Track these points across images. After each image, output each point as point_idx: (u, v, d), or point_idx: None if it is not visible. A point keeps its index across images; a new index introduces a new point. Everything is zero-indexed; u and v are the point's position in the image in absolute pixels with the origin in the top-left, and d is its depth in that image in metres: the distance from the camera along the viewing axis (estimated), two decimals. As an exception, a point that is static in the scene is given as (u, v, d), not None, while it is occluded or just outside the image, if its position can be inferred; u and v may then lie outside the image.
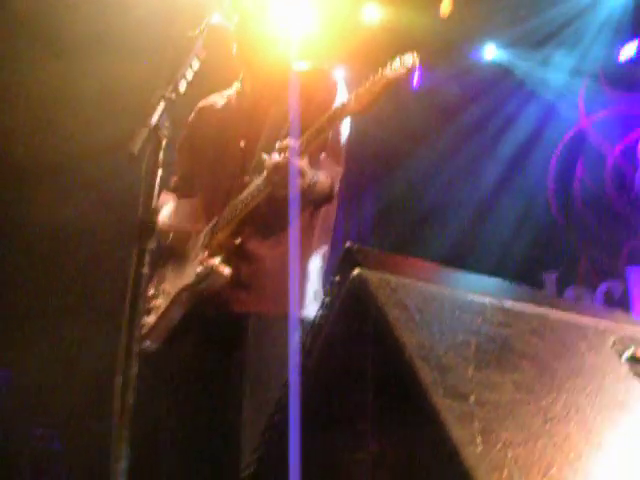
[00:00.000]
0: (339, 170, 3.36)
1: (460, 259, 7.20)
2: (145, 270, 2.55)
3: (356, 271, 1.71)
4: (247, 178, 3.25)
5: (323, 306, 1.84)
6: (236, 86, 3.69)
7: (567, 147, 8.17)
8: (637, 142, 7.78)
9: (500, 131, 8.05)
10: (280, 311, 3.18)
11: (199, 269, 3.17)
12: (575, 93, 8.07)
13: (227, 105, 3.66)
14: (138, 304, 2.53)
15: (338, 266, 1.79)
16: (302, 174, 3.03)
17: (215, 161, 3.48)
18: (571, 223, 8.04)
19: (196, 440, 3.27)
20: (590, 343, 1.90)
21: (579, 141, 8.13)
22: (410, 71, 2.92)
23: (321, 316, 1.82)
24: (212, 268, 3.14)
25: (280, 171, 3.01)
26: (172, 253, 3.41)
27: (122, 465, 2.35)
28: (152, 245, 2.59)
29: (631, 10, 7.46)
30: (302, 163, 3.03)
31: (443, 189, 8.00)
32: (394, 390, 1.53)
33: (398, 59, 2.94)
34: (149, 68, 5.67)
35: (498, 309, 1.81)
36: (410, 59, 2.93)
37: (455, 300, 1.77)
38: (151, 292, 3.38)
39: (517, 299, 1.91)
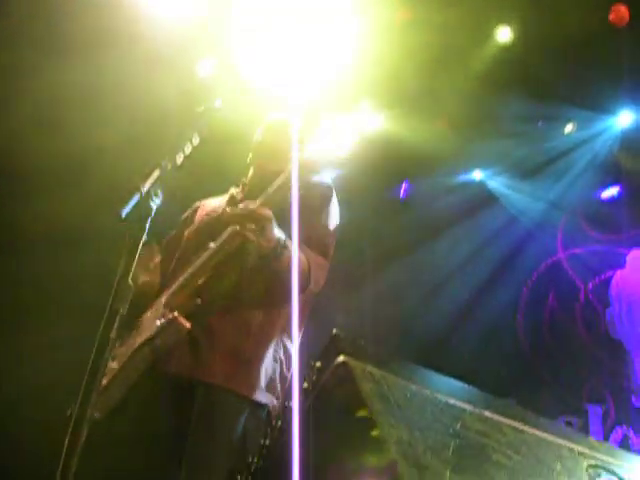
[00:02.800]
0: (323, 262, 3.34)
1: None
2: (113, 334, 2.52)
3: (341, 358, 1.69)
4: (212, 244, 3.25)
5: (301, 390, 1.80)
6: (232, 190, 3.71)
7: (541, 276, 8.26)
8: (610, 280, 7.88)
9: (477, 252, 8.13)
10: (230, 386, 3.13)
11: (160, 322, 3.14)
12: (555, 225, 8.21)
13: (219, 209, 3.66)
14: (99, 370, 2.49)
15: (322, 352, 1.76)
16: (268, 219, 3.06)
17: (194, 245, 3.47)
18: (536, 353, 8.05)
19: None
20: (565, 464, 1.87)
21: (554, 272, 8.22)
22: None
23: (299, 400, 1.78)
24: (171, 320, 3.10)
25: (249, 217, 3.05)
26: (127, 321, 3.36)
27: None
28: (124, 310, 2.56)
29: (613, 157, 7.68)
30: (267, 211, 3.07)
31: (413, 303, 8.01)
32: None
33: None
34: (150, 69, 5.73)
35: (477, 418, 1.78)
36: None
37: (436, 402, 1.74)
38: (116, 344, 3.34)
39: (495, 410, 1.88)
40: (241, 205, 3.10)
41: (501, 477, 1.63)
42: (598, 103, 7.41)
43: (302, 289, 3.26)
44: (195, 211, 3.77)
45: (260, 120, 3.73)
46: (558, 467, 1.83)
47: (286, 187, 3.13)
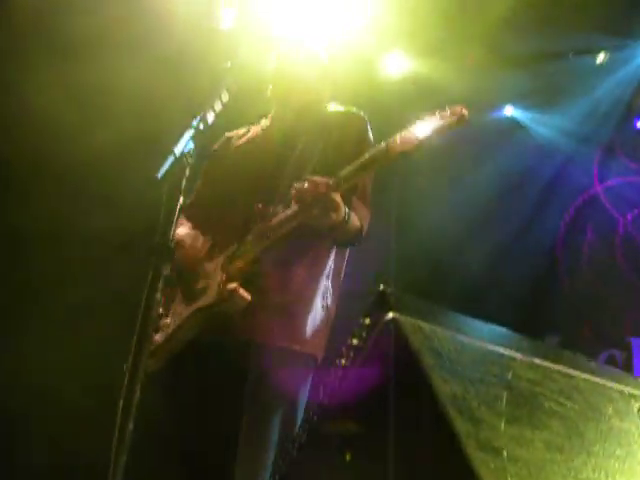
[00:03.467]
0: (367, 214, 3.34)
1: (465, 312, 7.17)
2: (158, 296, 2.55)
3: (390, 315, 1.69)
4: (272, 209, 3.22)
5: (350, 348, 1.81)
6: (264, 122, 3.70)
7: (578, 211, 8.19)
8: (649, 211, 7.82)
9: (512, 189, 8.07)
10: (282, 344, 3.17)
11: (219, 292, 3.14)
12: (590, 158, 8.11)
13: (254, 139, 3.65)
14: (148, 330, 2.53)
15: (370, 308, 1.77)
16: (337, 208, 3.01)
17: (236, 191, 3.44)
18: (577, 288, 8.02)
19: (191, 466, 3.23)
20: (616, 407, 1.88)
21: (591, 206, 8.14)
22: (460, 121, 2.89)
23: (348, 357, 1.80)
24: (233, 291, 3.11)
25: (314, 202, 2.99)
26: (182, 273, 3.37)
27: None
28: (167, 271, 2.59)
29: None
30: (337, 198, 3.01)
31: (452, 243, 7.98)
32: (427, 438, 1.51)
33: (448, 108, 2.91)
34: (151, 69, 5.71)
35: (528, 366, 1.79)
36: (461, 110, 2.90)
37: (486, 352, 1.76)
38: (160, 311, 3.35)
39: (545, 357, 1.89)
40: (313, 180, 3.01)
41: (554, 424, 1.65)
42: (630, 30, 7.27)
43: (354, 245, 3.33)
44: (226, 143, 3.73)
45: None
46: (610, 410, 1.84)
47: (361, 172, 3.05)
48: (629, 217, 7.88)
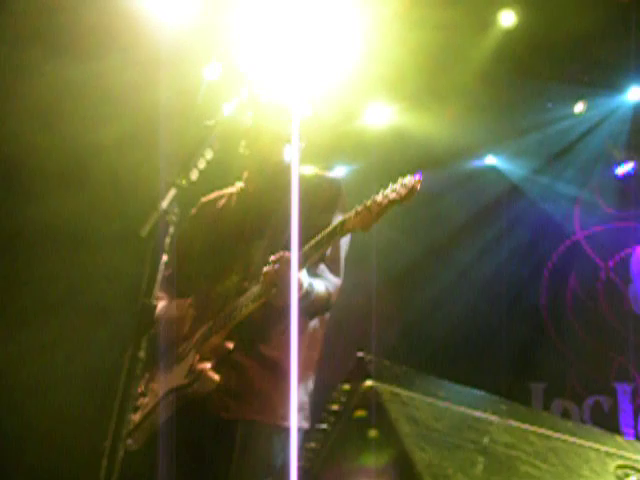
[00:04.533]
0: (337, 282, 3.33)
1: (450, 361, 7.20)
2: (142, 354, 2.56)
3: (368, 382, 1.73)
4: (246, 284, 3.25)
5: (330, 413, 1.85)
6: (238, 185, 3.70)
7: (561, 258, 8.26)
8: (630, 257, 7.89)
9: (495, 238, 8.13)
10: (267, 420, 3.17)
11: (189, 373, 3.16)
12: (571, 206, 8.20)
13: (228, 204, 3.65)
14: (131, 388, 2.54)
15: (349, 375, 1.81)
16: (299, 286, 3.03)
17: (212, 259, 3.45)
18: (562, 334, 8.06)
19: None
20: (592, 467, 1.91)
21: (573, 253, 8.22)
22: (411, 193, 2.93)
23: (329, 422, 1.84)
24: (202, 373, 3.13)
25: (277, 282, 3.01)
26: (163, 353, 3.37)
27: None
28: (150, 328, 2.61)
29: (627, 133, 7.66)
30: (299, 275, 3.04)
31: (436, 291, 8.03)
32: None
33: (400, 180, 2.96)
34: (151, 69, 5.76)
35: (505, 429, 1.83)
36: (411, 180, 2.95)
37: (463, 417, 1.79)
38: (140, 389, 3.36)
39: (522, 420, 1.93)
40: (276, 257, 3.06)
41: (531, 489, 1.68)
42: (607, 81, 7.40)
43: (322, 314, 3.32)
44: (202, 209, 3.72)
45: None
46: (586, 471, 1.87)
47: (319, 248, 3.09)
48: (611, 263, 7.96)
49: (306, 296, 3.10)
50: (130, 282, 2.53)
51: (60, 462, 5.48)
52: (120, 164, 5.78)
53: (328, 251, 3.23)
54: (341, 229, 3.02)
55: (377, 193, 2.98)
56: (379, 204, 2.93)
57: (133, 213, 5.26)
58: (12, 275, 5.98)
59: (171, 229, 2.72)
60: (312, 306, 3.21)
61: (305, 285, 3.08)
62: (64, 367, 5.59)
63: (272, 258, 3.04)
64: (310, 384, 3.35)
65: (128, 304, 2.51)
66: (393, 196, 2.93)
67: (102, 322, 5.64)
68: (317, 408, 3.12)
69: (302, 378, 3.29)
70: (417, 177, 2.96)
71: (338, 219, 3.27)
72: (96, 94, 5.87)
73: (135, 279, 2.64)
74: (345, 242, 3.41)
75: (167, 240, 2.70)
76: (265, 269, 3.05)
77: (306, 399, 3.30)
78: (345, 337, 5.52)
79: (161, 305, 3.39)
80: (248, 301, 3.14)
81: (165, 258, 2.68)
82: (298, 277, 3.03)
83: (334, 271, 3.33)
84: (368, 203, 2.96)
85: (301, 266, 3.05)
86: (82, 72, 5.75)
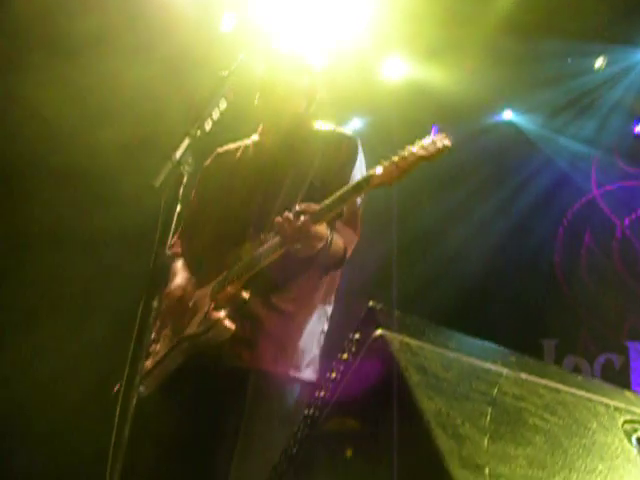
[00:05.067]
0: (354, 238, 3.35)
1: (463, 316, 7.21)
2: (155, 303, 2.57)
3: (378, 332, 1.73)
4: (263, 236, 3.24)
5: (340, 362, 1.85)
6: (254, 138, 3.69)
7: (576, 215, 8.22)
8: (646, 216, 7.85)
9: (512, 194, 8.10)
10: (280, 371, 3.19)
11: (204, 321, 3.17)
12: (588, 163, 8.14)
13: (244, 156, 3.64)
14: (145, 337, 2.55)
15: (359, 325, 1.81)
16: (321, 238, 3.05)
17: (229, 213, 3.46)
18: (575, 291, 8.04)
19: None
20: (601, 422, 1.91)
21: (589, 210, 8.17)
22: (441, 152, 2.91)
23: (338, 371, 1.84)
24: (217, 321, 3.13)
25: (299, 235, 3.01)
26: (176, 300, 3.38)
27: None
28: (164, 278, 2.62)
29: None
30: (321, 228, 3.04)
31: (452, 246, 8.02)
32: (410, 455, 1.54)
33: (430, 138, 2.93)
34: (151, 68, 5.74)
35: (514, 381, 1.83)
36: (444, 140, 2.92)
37: (473, 368, 1.79)
38: (152, 336, 3.37)
39: (531, 372, 1.92)
40: (300, 208, 3.03)
41: (537, 440, 1.68)
42: (628, 36, 7.29)
43: (336, 268, 3.34)
44: (217, 160, 3.74)
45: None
46: (594, 425, 1.87)
47: (341, 202, 3.07)
48: (627, 222, 7.91)
49: (327, 249, 3.11)
50: (133, 281, 2.53)
51: (65, 461, 5.54)
52: (121, 165, 5.77)
53: (346, 209, 3.23)
54: (367, 184, 2.98)
55: (403, 149, 2.96)
56: (406, 160, 2.90)
57: (134, 212, 5.30)
58: (13, 275, 6.00)
59: (185, 179, 2.72)
60: (329, 260, 3.22)
61: (327, 238, 3.08)
62: (69, 366, 5.62)
63: (297, 208, 3.03)
64: (322, 338, 3.38)
65: (131, 302, 2.51)
66: (422, 153, 2.89)
67: (104, 321, 5.66)
68: (329, 359, 3.15)
69: (315, 331, 3.32)
70: (447, 137, 2.93)
71: (357, 175, 3.27)
72: (97, 95, 5.85)
73: (138, 278, 2.63)
74: (362, 198, 3.40)
75: (181, 191, 2.71)
76: (286, 217, 3.03)
77: (317, 352, 3.33)
78: (361, 290, 5.51)
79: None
80: (268, 252, 3.14)
81: (179, 208, 2.69)
82: (320, 230, 3.04)
83: (351, 226, 3.33)
84: (396, 159, 2.91)
85: (324, 219, 3.05)
86: (82, 72, 5.73)
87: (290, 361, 3.20)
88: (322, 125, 3.60)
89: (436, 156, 2.89)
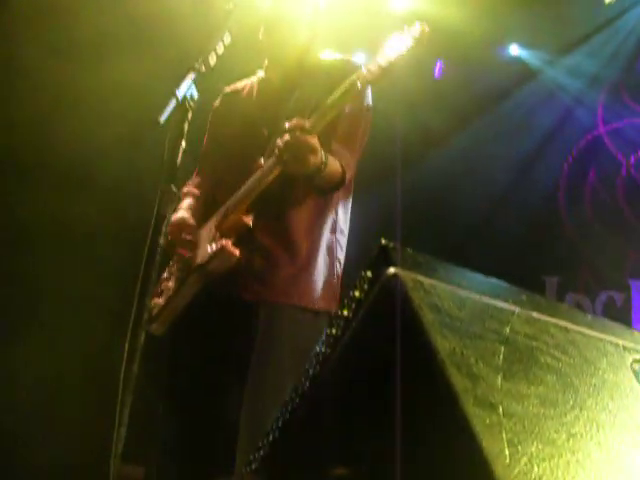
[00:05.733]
0: (351, 157, 3.32)
1: (467, 253, 7.24)
2: (162, 240, 2.57)
3: (391, 270, 1.72)
4: (261, 160, 3.23)
5: (352, 300, 1.85)
6: (259, 74, 3.66)
7: (581, 152, 8.18)
8: (652, 154, 7.82)
9: (517, 129, 8.06)
10: (291, 302, 3.20)
11: (210, 249, 3.17)
12: (594, 100, 8.07)
13: (251, 93, 3.63)
14: (151, 273, 2.56)
15: (371, 262, 1.80)
16: (313, 150, 3.01)
17: (238, 149, 3.46)
18: (578, 229, 8.05)
19: (196, 422, 3.29)
20: (610, 361, 1.92)
21: (594, 148, 8.13)
22: (419, 41, 2.89)
23: (350, 309, 1.83)
24: (222, 247, 3.13)
25: (291, 148, 2.99)
26: (183, 233, 3.39)
27: (123, 431, 2.40)
28: (171, 212, 2.61)
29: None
30: (313, 140, 3.00)
31: (453, 178, 8.00)
32: (424, 394, 1.55)
33: (405, 29, 2.91)
34: (151, 67, 5.67)
35: (526, 320, 1.83)
36: (417, 28, 2.90)
37: (485, 307, 1.79)
38: (164, 275, 3.39)
39: (542, 311, 1.92)
40: (289, 125, 3.01)
41: (549, 379, 1.69)
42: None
43: (337, 190, 3.31)
44: (225, 99, 3.73)
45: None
46: (604, 364, 1.88)
47: (332, 108, 3.04)
48: (632, 160, 7.88)
49: (323, 165, 3.09)
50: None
51: (63, 459, 5.56)
52: (122, 164, 5.72)
53: (341, 125, 3.22)
54: (352, 86, 2.98)
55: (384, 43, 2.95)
56: (388, 58, 2.91)
57: (135, 212, 5.26)
58: (13, 274, 5.97)
59: (189, 115, 2.70)
60: (326, 181, 3.20)
61: (321, 153, 3.06)
62: (66, 366, 5.62)
63: (287, 125, 3.01)
64: (337, 266, 3.38)
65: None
66: (402, 47, 2.88)
67: (104, 320, 5.65)
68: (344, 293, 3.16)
69: (326, 259, 3.32)
70: (422, 25, 2.91)
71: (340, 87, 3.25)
72: (96, 93, 5.76)
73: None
74: (364, 121, 3.39)
75: (185, 126, 2.69)
76: (280, 137, 3.02)
77: (333, 280, 3.33)
78: (370, 226, 5.51)
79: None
80: (265, 173, 3.14)
81: (184, 144, 2.67)
82: (313, 142, 3.01)
83: (349, 148, 3.31)
84: (378, 58, 2.93)
85: (316, 130, 3.03)
86: (82, 71, 5.65)
87: (302, 291, 3.21)
88: (328, 54, 3.57)
89: (416, 46, 2.88)
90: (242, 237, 3.19)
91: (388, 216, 6.16)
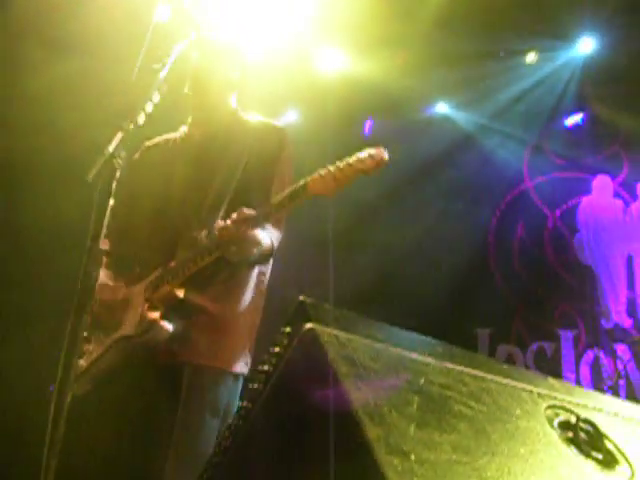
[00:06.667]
0: (279, 235, 3.39)
1: (397, 307, 7.32)
2: (89, 300, 2.58)
3: (308, 325, 1.78)
4: (195, 234, 3.26)
5: (272, 355, 1.89)
6: (183, 130, 3.66)
7: (509, 207, 8.39)
8: (577, 207, 8.02)
9: (445, 185, 8.23)
10: (213, 364, 3.22)
11: (140, 322, 3.18)
12: (520, 155, 8.30)
13: (173, 148, 3.62)
14: (78, 333, 2.56)
15: (290, 318, 1.85)
16: (257, 244, 3.14)
17: (156, 206, 3.45)
18: (508, 282, 8.21)
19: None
20: (524, 408, 1.98)
21: (521, 202, 8.35)
22: (378, 165, 2.93)
23: (270, 364, 1.88)
24: (154, 322, 3.15)
25: (237, 242, 3.07)
26: (107, 300, 3.38)
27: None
28: (97, 271, 2.62)
29: (576, 84, 7.74)
30: (257, 235, 3.12)
31: (384, 234, 8.11)
32: (340, 442, 1.59)
33: (367, 152, 2.92)
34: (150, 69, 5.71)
35: (440, 371, 1.89)
36: (380, 153, 2.94)
37: (400, 359, 1.85)
38: (84, 334, 3.36)
39: (458, 362, 1.99)
40: (237, 217, 3.04)
41: (462, 427, 1.74)
42: (558, 31, 7.46)
43: (264, 263, 3.43)
44: (146, 152, 3.69)
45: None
46: (517, 411, 1.94)
47: (284, 206, 3.08)
48: (558, 213, 8.10)
49: (258, 255, 3.18)
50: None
51: (66, 461, 5.46)
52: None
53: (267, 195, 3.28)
54: (304, 192, 2.98)
55: (341, 161, 2.97)
56: (343, 172, 2.91)
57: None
58: (12, 274, 5.92)
59: (118, 173, 2.73)
60: (260, 259, 3.29)
61: (263, 244, 3.14)
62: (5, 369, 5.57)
63: (233, 216, 3.05)
64: (254, 332, 3.42)
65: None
66: (359, 166, 2.90)
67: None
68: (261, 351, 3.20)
69: (247, 324, 3.36)
70: (383, 152, 2.96)
71: (286, 167, 3.32)
72: (94, 92, 5.80)
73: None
74: (289, 179, 3.43)
75: (114, 184, 2.71)
76: (224, 225, 3.07)
77: (249, 345, 3.37)
78: (290, 283, 5.55)
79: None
80: (203, 254, 3.16)
81: (112, 202, 2.69)
82: (257, 236, 3.10)
83: (277, 225, 3.36)
84: (332, 169, 2.93)
85: (260, 225, 3.10)
86: (80, 71, 5.69)
87: (223, 355, 3.24)
88: (251, 116, 3.61)
89: (373, 170, 2.92)
90: (170, 307, 3.21)
91: (316, 268, 6.21)
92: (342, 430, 1.56)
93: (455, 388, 1.86)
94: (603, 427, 2.05)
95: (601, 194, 7.85)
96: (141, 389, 3.23)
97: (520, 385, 2.07)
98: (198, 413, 3.14)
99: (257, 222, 3.06)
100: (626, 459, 1.99)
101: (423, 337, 2.04)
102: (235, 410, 3.08)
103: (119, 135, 2.77)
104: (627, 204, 7.76)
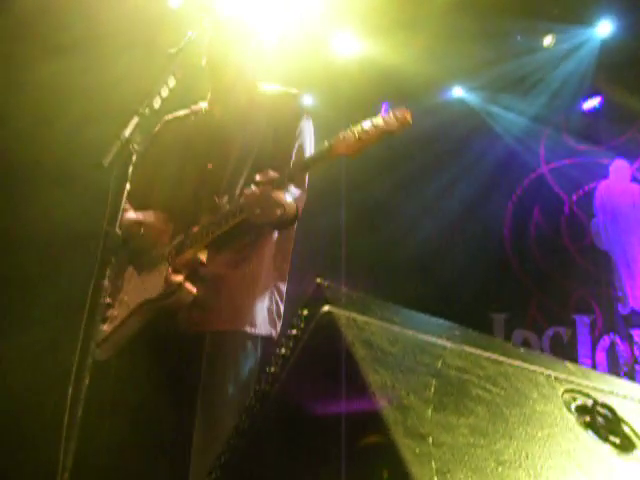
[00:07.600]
0: (303, 196, 3.41)
1: (414, 290, 7.31)
2: (105, 283, 2.59)
3: (326, 308, 1.77)
4: (217, 200, 3.28)
5: (289, 338, 1.89)
6: (203, 105, 3.71)
7: (525, 191, 8.35)
8: (594, 191, 7.98)
9: (461, 170, 8.19)
10: (235, 328, 3.23)
11: (165, 285, 3.20)
12: (537, 139, 8.26)
13: (194, 122, 3.67)
14: (96, 316, 2.57)
15: (307, 301, 1.85)
16: (280, 205, 3.12)
17: (178, 176, 3.50)
18: (524, 266, 8.19)
19: (144, 457, 3.28)
20: (542, 392, 1.98)
21: (537, 187, 8.31)
22: (403, 126, 2.93)
23: (287, 347, 1.88)
24: (179, 285, 3.17)
25: (261, 203, 3.06)
26: (130, 263, 3.42)
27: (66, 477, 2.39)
28: (114, 258, 2.63)
29: (594, 67, 7.67)
30: (281, 195, 3.10)
31: (399, 219, 8.10)
32: (357, 426, 1.60)
33: (391, 112, 2.96)
34: (148, 66, 5.72)
35: (458, 354, 1.89)
36: (404, 114, 2.94)
37: (418, 342, 1.84)
38: (107, 300, 3.38)
39: (475, 345, 1.98)
40: (261, 177, 3.07)
41: (479, 410, 1.74)
42: (576, 14, 7.39)
43: (289, 226, 3.40)
44: (166, 127, 3.75)
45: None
46: (535, 395, 1.94)
47: (304, 170, 3.12)
48: (574, 198, 8.05)
49: (283, 217, 3.18)
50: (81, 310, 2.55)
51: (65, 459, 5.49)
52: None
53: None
54: (328, 153, 3.02)
55: (366, 120, 2.99)
56: (369, 133, 2.93)
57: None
58: (12, 274, 5.94)
59: (134, 158, 2.73)
60: (284, 223, 3.29)
61: (287, 207, 3.14)
62: (64, 366, 5.59)
63: (258, 178, 3.08)
64: (280, 293, 3.43)
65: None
66: (384, 127, 2.92)
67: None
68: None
69: (269, 286, 3.37)
70: (408, 112, 2.96)
71: (305, 130, 3.34)
72: (93, 92, 5.80)
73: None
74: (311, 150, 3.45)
75: (130, 169, 2.72)
76: (249, 189, 3.08)
77: (275, 307, 3.38)
78: (313, 264, 5.56)
79: (138, 214, 3.43)
80: (228, 217, 3.18)
81: (128, 187, 2.70)
82: (282, 199, 3.11)
83: (299, 184, 3.38)
84: (357, 131, 2.94)
85: (284, 186, 3.11)
86: (79, 70, 5.69)
87: (245, 318, 3.25)
88: (268, 86, 3.63)
89: (398, 130, 2.93)
90: (193, 271, 3.24)
91: (334, 252, 6.22)
92: (359, 414, 1.56)
93: (472, 371, 1.85)
94: (620, 411, 2.05)
95: (618, 179, 7.81)
96: (164, 358, 3.25)
97: (537, 369, 2.07)
98: (221, 378, 3.15)
99: (281, 183, 3.06)
100: (644, 443, 1.99)
101: (440, 320, 2.03)
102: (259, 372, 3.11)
103: (135, 119, 2.77)
104: (644, 189, 7.73)
